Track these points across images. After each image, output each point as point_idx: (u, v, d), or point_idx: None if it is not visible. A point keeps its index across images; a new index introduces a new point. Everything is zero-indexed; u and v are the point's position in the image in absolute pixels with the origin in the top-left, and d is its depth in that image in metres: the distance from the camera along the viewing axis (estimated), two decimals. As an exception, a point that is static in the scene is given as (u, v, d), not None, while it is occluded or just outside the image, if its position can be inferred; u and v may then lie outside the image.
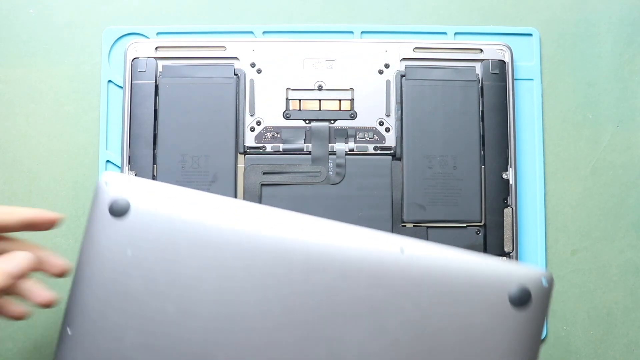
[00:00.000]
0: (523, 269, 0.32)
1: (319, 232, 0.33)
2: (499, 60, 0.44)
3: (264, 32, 0.45)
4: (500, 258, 0.40)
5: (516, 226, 0.43)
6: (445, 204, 0.43)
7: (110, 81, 0.45)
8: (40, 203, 0.43)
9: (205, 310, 0.32)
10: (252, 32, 0.45)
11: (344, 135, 0.44)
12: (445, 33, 0.46)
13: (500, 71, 0.44)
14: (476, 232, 0.43)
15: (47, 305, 0.35)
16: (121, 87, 0.44)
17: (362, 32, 0.45)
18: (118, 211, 0.34)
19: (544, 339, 0.44)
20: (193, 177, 0.43)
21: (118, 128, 0.44)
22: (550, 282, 0.32)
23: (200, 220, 0.33)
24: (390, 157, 0.44)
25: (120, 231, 0.34)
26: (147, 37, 0.45)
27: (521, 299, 0.32)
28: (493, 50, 0.43)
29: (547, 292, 0.32)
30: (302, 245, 0.33)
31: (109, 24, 0.46)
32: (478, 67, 0.44)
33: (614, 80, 0.46)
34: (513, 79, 0.43)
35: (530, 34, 0.46)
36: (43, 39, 0.46)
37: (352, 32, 0.46)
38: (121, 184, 0.34)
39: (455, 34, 0.46)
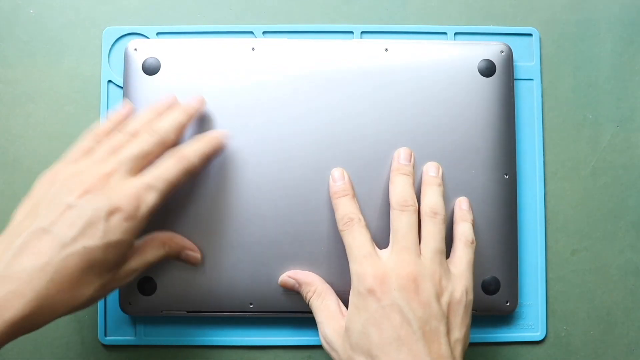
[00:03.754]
0: (486, 46, 0.43)
1: (324, 50, 0.42)
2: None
3: (264, 32, 0.45)
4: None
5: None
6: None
7: (110, 81, 0.45)
8: (40, 203, 0.43)
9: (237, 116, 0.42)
10: (252, 32, 0.45)
11: None
12: (445, 33, 0.46)
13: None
14: None
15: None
16: (121, 87, 0.44)
17: (362, 32, 0.45)
18: (151, 70, 0.42)
19: (544, 339, 0.44)
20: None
21: (118, 128, 0.44)
22: (508, 51, 0.43)
23: (223, 65, 0.42)
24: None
25: (154, 86, 0.42)
26: (147, 37, 0.45)
27: (488, 69, 0.42)
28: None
29: (507, 61, 0.43)
30: (313, 62, 0.42)
31: (109, 24, 0.46)
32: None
33: (614, 80, 0.46)
34: (513, 79, 0.43)
35: (530, 34, 0.46)
36: (43, 39, 0.46)
37: (352, 32, 0.45)
38: (149, 46, 0.43)
39: (455, 34, 0.46)
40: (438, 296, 0.35)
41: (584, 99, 0.46)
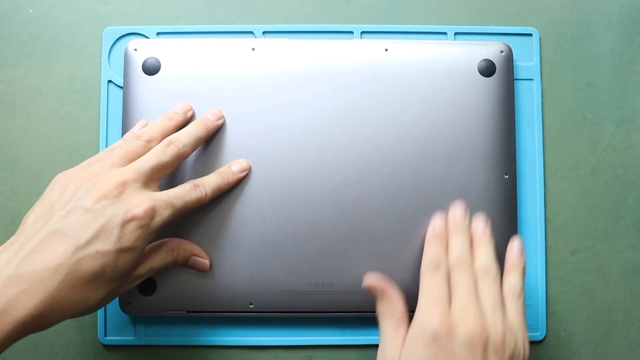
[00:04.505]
0: (486, 46, 0.43)
1: (324, 50, 0.43)
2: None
3: (263, 32, 0.45)
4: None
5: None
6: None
7: (110, 81, 0.45)
8: (40, 203, 0.43)
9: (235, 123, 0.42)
10: (252, 32, 0.45)
11: None
12: (445, 33, 0.46)
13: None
14: None
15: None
16: (121, 87, 0.44)
17: (362, 32, 0.45)
18: (151, 70, 0.42)
19: (544, 339, 0.44)
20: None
21: (118, 128, 0.44)
22: (508, 51, 0.43)
23: (223, 65, 0.42)
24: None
25: (154, 86, 0.42)
26: (147, 37, 0.45)
27: (488, 69, 0.42)
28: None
29: (507, 61, 0.43)
30: (312, 63, 0.42)
31: (109, 24, 0.46)
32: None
33: (614, 80, 0.46)
34: (513, 79, 0.43)
35: (530, 34, 0.46)
36: (43, 39, 0.46)
37: (352, 32, 0.45)
38: (149, 46, 0.43)
39: (455, 34, 0.46)
40: (500, 354, 0.35)
41: (584, 99, 0.46)
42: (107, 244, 0.32)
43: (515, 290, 0.38)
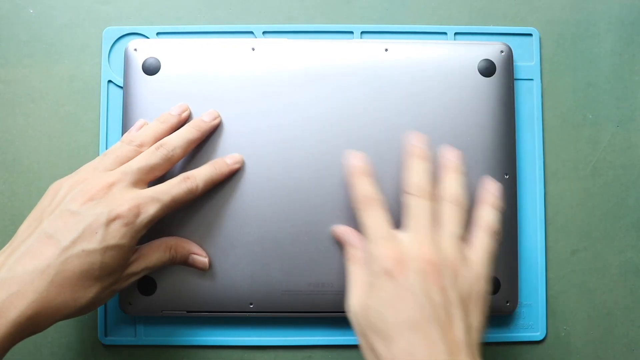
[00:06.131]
0: (486, 46, 0.43)
1: (324, 50, 0.43)
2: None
3: (263, 32, 0.45)
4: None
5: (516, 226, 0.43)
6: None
7: (110, 81, 0.45)
8: (40, 203, 0.43)
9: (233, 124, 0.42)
10: (252, 32, 0.45)
11: None
12: (445, 33, 0.46)
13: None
14: None
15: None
16: (121, 87, 0.44)
17: (362, 32, 0.45)
18: (151, 70, 0.42)
19: (544, 339, 0.44)
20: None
21: (118, 128, 0.44)
22: (508, 51, 0.43)
23: (223, 65, 0.42)
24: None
25: (154, 86, 0.42)
26: (147, 37, 0.45)
27: (488, 69, 0.42)
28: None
29: (507, 61, 0.43)
30: (312, 63, 0.42)
31: (109, 24, 0.46)
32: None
33: (614, 80, 0.46)
34: (513, 79, 0.43)
35: (530, 34, 0.46)
36: (43, 39, 0.46)
37: (352, 32, 0.46)
38: (149, 46, 0.43)
39: (455, 34, 0.46)
40: (454, 282, 0.34)
41: (584, 99, 0.46)
42: (91, 243, 0.33)
43: (493, 225, 0.36)
